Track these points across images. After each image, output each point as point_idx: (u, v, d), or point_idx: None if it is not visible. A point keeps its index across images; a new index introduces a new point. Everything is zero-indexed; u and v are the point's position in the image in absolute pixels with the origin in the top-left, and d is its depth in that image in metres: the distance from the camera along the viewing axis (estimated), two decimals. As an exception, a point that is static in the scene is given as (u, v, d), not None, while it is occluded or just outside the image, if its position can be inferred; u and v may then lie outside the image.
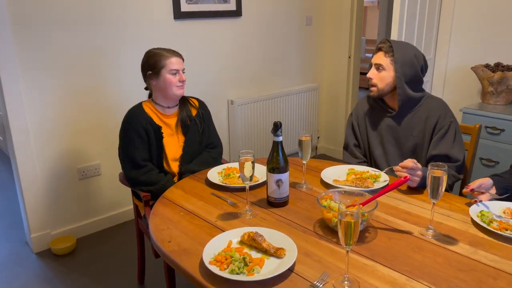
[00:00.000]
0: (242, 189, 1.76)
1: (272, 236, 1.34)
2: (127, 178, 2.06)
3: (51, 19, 2.56)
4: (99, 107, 2.87)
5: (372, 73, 1.94)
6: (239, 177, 1.81)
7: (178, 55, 2.05)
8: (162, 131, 2.06)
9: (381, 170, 1.90)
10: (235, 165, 1.99)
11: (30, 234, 2.75)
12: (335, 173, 1.89)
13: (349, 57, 4.07)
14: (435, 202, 1.39)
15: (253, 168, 1.50)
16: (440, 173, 1.35)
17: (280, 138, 1.56)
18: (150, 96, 2.16)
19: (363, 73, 7.30)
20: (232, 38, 3.48)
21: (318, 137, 4.37)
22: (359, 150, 2.16)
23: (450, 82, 3.32)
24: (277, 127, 1.54)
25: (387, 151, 2.01)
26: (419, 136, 1.93)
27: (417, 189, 1.74)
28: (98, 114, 2.87)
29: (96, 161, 2.94)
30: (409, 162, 1.68)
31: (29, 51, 2.52)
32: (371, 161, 2.11)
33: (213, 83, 3.46)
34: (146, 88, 2.15)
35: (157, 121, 2.07)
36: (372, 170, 1.88)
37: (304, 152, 1.74)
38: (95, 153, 2.92)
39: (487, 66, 2.94)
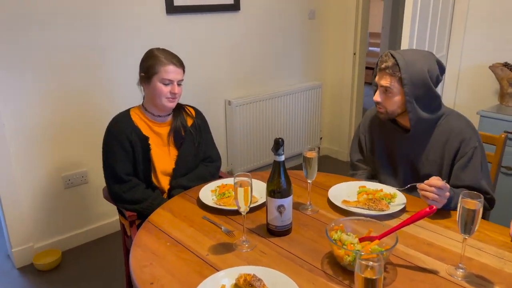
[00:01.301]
0: (239, 212, 1.53)
1: (273, 279, 1.13)
2: (110, 194, 1.84)
3: (32, 15, 2.32)
4: (85, 110, 2.64)
5: (378, 97, 1.67)
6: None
7: (178, 64, 1.80)
8: (149, 142, 1.83)
9: (393, 188, 1.67)
10: (232, 181, 1.76)
11: (12, 248, 2.55)
12: (344, 191, 1.67)
13: (354, 54, 3.83)
14: (467, 237, 1.17)
15: (250, 194, 1.28)
16: (474, 204, 1.12)
17: (282, 158, 1.34)
18: (143, 98, 1.93)
19: (368, 68, 7.05)
20: (230, 34, 3.24)
21: (321, 138, 4.15)
22: (362, 164, 1.95)
23: (464, 82, 3.08)
24: (278, 145, 1.32)
25: (398, 174, 1.78)
26: (437, 162, 1.67)
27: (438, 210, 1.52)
28: (84, 118, 2.65)
29: (83, 168, 2.72)
30: (438, 180, 1.45)
31: (6, 51, 2.29)
32: (379, 180, 1.88)
33: (209, 83, 3.23)
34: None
35: (145, 130, 1.85)
36: (386, 188, 1.66)
37: (310, 170, 1.51)
38: (82, 160, 2.71)
39: (506, 65, 2.71)
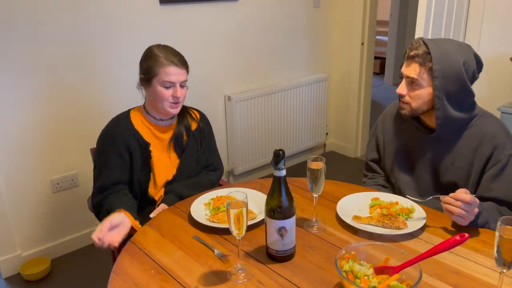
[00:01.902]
0: (235, 231, 1.35)
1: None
2: (91, 207, 1.67)
3: (16, 9, 2.12)
4: (74, 109, 2.46)
5: (403, 89, 1.47)
6: (230, 213, 1.39)
7: (180, 63, 1.59)
8: (150, 148, 1.65)
9: (409, 198, 1.47)
10: (228, 192, 1.57)
11: (-3, 257, 2.39)
12: (354, 204, 1.47)
13: (362, 44, 3.60)
14: (505, 271, 0.98)
15: (246, 218, 1.09)
16: (516, 233, 0.93)
17: (283, 172, 1.14)
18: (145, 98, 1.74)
19: (377, 58, 6.78)
20: (229, 25, 3.02)
21: (327, 134, 3.94)
22: (377, 166, 1.76)
23: (481, 74, 2.84)
24: (278, 158, 1.12)
25: (419, 180, 1.58)
26: (464, 169, 1.47)
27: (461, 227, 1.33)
28: (73, 117, 2.46)
29: (73, 171, 2.54)
30: (465, 194, 1.25)
31: (-19, 46, 2.10)
32: (394, 187, 1.68)
33: (207, 77, 3.02)
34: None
35: (146, 135, 1.66)
36: (402, 201, 1.46)
37: (316, 183, 1.32)
38: (71, 161, 2.52)
39: (529, 55, 2.48)
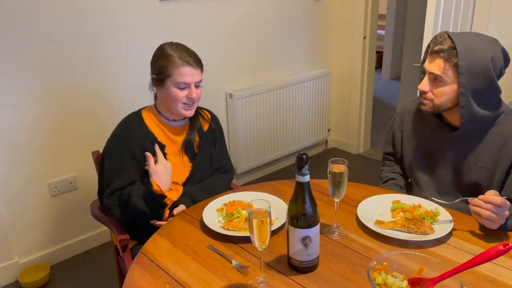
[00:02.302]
0: (250, 239, 1.27)
1: None
2: (106, 210, 1.57)
3: (12, 5, 2.01)
4: (71, 108, 2.36)
5: (425, 85, 1.39)
6: (246, 220, 1.32)
7: (195, 63, 1.52)
8: (165, 151, 1.57)
9: (433, 200, 1.40)
10: (241, 196, 1.49)
11: (-6, 265, 2.29)
12: (375, 207, 1.40)
13: (364, 38, 3.53)
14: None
15: (269, 229, 1.02)
16: None
17: (307, 178, 1.07)
18: (155, 98, 1.66)
19: (378, 52, 6.66)
20: (228, 20, 2.93)
21: (329, 130, 3.87)
22: (391, 159, 1.73)
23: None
24: (302, 162, 1.05)
25: (439, 179, 1.51)
26: (488, 169, 1.40)
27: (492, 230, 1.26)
28: (71, 117, 2.36)
29: (71, 173, 2.44)
30: (496, 197, 1.18)
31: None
32: (411, 186, 1.61)
33: (207, 74, 2.89)
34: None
35: (160, 137, 1.58)
36: (425, 203, 1.39)
37: (339, 188, 1.24)
38: (70, 164, 2.43)
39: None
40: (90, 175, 2.49)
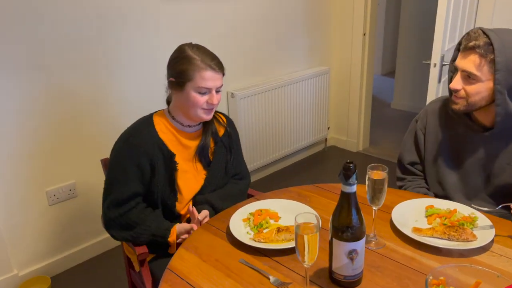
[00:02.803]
0: (287, 251, 1.20)
1: None
2: (104, 220, 1.48)
3: (7, 6, 1.88)
4: (70, 114, 2.24)
5: (458, 83, 1.34)
6: (278, 231, 1.25)
7: (217, 67, 1.43)
8: (176, 159, 1.48)
9: (474, 208, 1.34)
10: (267, 204, 1.42)
11: (-9, 278, 2.16)
12: (409, 214, 1.34)
13: (364, 35, 3.48)
14: None
15: (318, 244, 0.95)
16: None
17: (354, 188, 1.00)
18: (168, 102, 1.56)
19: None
20: (229, 18, 2.84)
21: (329, 128, 3.82)
22: (416, 169, 1.62)
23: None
24: (349, 171, 0.98)
25: (467, 181, 1.47)
26: None
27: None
28: (69, 122, 2.24)
29: (70, 180, 2.33)
30: None
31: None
32: (437, 191, 1.56)
33: (209, 73, 2.83)
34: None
35: (171, 145, 1.48)
36: (461, 208, 1.34)
37: (378, 196, 1.18)
38: (69, 170, 2.31)
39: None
40: (90, 181, 2.38)
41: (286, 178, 3.37)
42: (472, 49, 1.29)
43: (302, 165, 3.59)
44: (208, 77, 1.39)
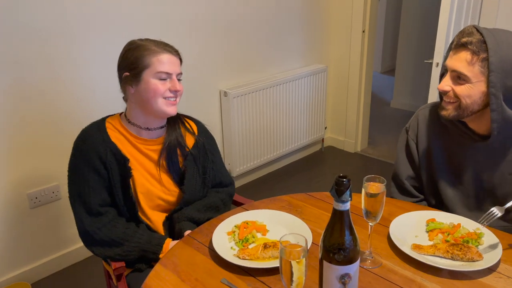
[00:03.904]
0: (274, 271, 1.09)
1: None
2: (81, 231, 1.34)
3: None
4: (52, 112, 2.12)
5: (447, 84, 1.23)
6: (265, 247, 1.13)
7: (174, 51, 1.32)
8: (130, 165, 1.34)
9: (485, 226, 1.23)
10: (254, 216, 1.31)
11: (-32, 285, 2.06)
12: (408, 228, 1.23)
13: (363, 32, 3.36)
14: None
15: (305, 270, 0.84)
16: None
17: (347, 205, 0.89)
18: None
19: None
20: (221, 13, 2.71)
21: (326, 128, 3.70)
22: (414, 184, 1.49)
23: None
24: (342, 187, 0.86)
25: (468, 193, 1.36)
26: None
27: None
28: (52, 121, 2.13)
29: (53, 182, 2.21)
30: None
31: None
32: (437, 204, 1.45)
33: (200, 71, 2.72)
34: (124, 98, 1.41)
35: (124, 149, 1.35)
36: (465, 223, 1.23)
37: (376, 211, 1.06)
38: (52, 172, 2.19)
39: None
40: (74, 183, 2.26)
41: (281, 180, 3.25)
42: (463, 46, 1.18)
43: (298, 166, 3.48)
44: (166, 60, 1.27)
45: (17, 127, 2.03)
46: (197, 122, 1.51)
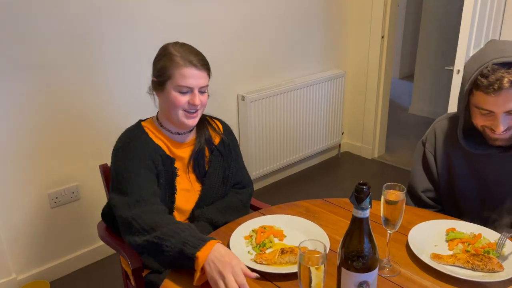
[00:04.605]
0: (291, 276, 1.09)
1: None
2: (124, 220, 1.23)
3: (7, 4, 1.82)
4: (73, 114, 2.16)
5: (504, 125, 1.17)
6: (282, 252, 1.14)
7: (200, 64, 1.29)
8: (175, 165, 1.37)
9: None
10: (271, 220, 1.31)
11: (-11, 282, 2.11)
12: (427, 237, 1.22)
13: (382, 37, 3.34)
14: None
15: (323, 277, 0.84)
16: None
17: (367, 213, 0.88)
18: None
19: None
20: (241, 18, 2.73)
21: (343, 133, 3.68)
22: (431, 196, 1.47)
23: None
24: (362, 194, 0.86)
25: (491, 206, 1.33)
26: None
27: None
28: (73, 123, 2.17)
29: (73, 183, 2.26)
30: None
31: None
32: (455, 216, 1.43)
33: (218, 75, 2.72)
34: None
35: (167, 151, 1.38)
36: (487, 233, 1.21)
37: (395, 219, 1.06)
38: (71, 173, 2.24)
39: None
40: (93, 184, 2.31)
41: (297, 184, 3.25)
42: (509, 88, 1.13)
43: (314, 171, 3.47)
44: (188, 75, 1.27)
45: (40, 128, 2.08)
46: (223, 123, 1.55)
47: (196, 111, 1.32)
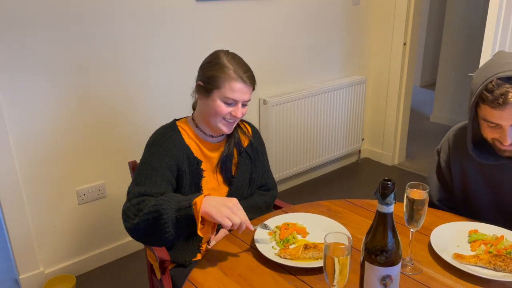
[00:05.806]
0: (314, 271, 1.12)
1: None
2: (122, 211, 1.30)
3: (37, 9, 1.91)
4: (101, 114, 2.25)
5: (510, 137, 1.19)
6: (305, 248, 1.17)
7: (249, 81, 1.36)
8: (202, 167, 1.42)
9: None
10: (294, 218, 1.35)
11: (19, 274, 2.19)
12: (450, 238, 1.23)
13: (404, 44, 3.35)
14: None
15: (349, 268, 0.87)
16: None
17: (391, 208, 0.91)
18: (194, 108, 1.50)
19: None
20: (264, 23, 2.79)
21: (363, 139, 3.69)
22: (447, 205, 1.48)
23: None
24: (387, 190, 0.89)
25: (508, 214, 1.33)
26: None
27: None
28: (100, 124, 2.25)
29: (100, 181, 2.33)
30: None
31: (11, 50, 1.90)
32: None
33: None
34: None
35: (196, 152, 1.43)
36: (509, 235, 1.22)
37: (418, 217, 1.08)
38: (98, 171, 2.32)
39: None
40: (118, 182, 2.38)
41: (317, 189, 3.27)
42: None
43: (334, 176, 3.48)
44: (237, 89, 1.33)
45: (70, 129, 2.16)
46: (252, 126, 1.60)
47: (234, 122, 1.39)
